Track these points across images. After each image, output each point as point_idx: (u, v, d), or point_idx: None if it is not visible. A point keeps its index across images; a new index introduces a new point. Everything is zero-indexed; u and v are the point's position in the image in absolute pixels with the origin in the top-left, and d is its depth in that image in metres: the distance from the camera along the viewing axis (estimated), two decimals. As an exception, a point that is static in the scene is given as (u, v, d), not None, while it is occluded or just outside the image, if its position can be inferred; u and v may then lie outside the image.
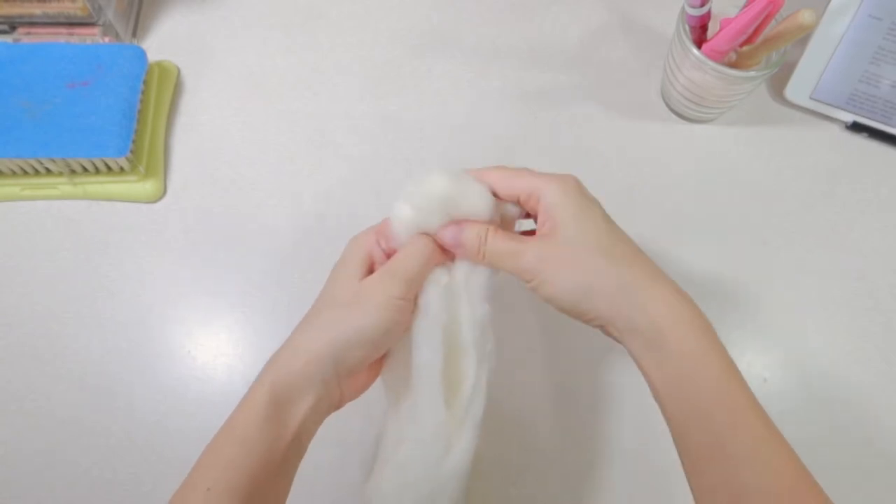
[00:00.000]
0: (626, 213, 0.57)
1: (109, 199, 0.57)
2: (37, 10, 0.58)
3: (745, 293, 0.55)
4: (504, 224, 0.40)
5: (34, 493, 0.49)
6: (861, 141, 0.60)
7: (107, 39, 0.60)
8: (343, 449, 0.49)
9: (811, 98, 0.60)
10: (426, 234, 0.39)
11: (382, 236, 0.39)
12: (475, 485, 0.48)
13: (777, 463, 0.32)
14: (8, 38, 0.60)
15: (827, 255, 0.56)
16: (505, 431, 0.50)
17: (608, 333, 0.37)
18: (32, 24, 0.60)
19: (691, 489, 0.34)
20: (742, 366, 0.52)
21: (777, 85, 0.62)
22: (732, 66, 0.54)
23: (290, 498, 0.36)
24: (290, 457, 0.35)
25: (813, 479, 0.32)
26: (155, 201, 0.57)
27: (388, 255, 0.39)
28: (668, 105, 0.61)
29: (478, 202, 0.38)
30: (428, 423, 0.37)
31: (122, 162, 0.55)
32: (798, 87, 0.60)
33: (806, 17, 0.48)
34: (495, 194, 0.39)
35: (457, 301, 0.39)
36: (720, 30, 0.52)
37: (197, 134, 0.60)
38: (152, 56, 0.59)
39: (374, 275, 0.38)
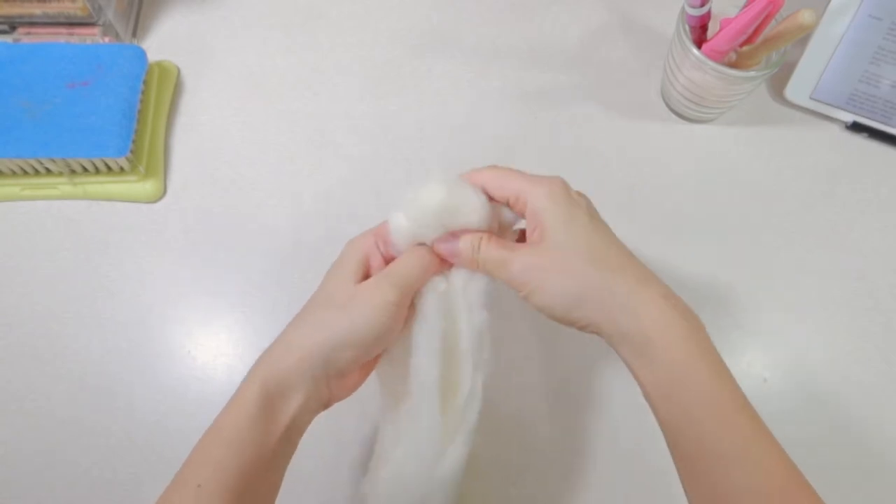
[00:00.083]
0: (626, 213, 0.57)
1: (109, 199, 0.57)
2: (37, 10, 0.58)
3: (745, 293, 0.55)
4: (501, 229, 0.40)
5: (34, 493, 0.49)
6: (861, 141, 0.60)
7: (107, 39, 0.60)
8: (337, 448, 0.49)
9: (811, 98, 0.60)
10: (423, 244, 0.39)
11: (381, 239, 0.39)
12: (475, 484, 0.48)
13: (767, 463, 0.32)
14: (8, 38, 0.60)
15: (827, 255, 0.56)
16: (504, 432, 0.50)
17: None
18: (32, 24, 0.60)
19: (685, 492, 0.34)
20: (742, 366, 0.53)
21: (777, 85, 0.62)
22: (732, 66, 0.54)
23: (284, 497, 0.36)
24: (280, 453, 0.35)
25: (803, 478, 0.32)
26: (155, 201, 0.57)
27: (386, 259, 0.40)
28: (668, 105, 0.61)
29: (473, 212, 0.38)
30: (423, 427, 0.37)
31: (122, 162, 0.55)
32: (798, 87, 0.60)
33: (806, 17, 0.48)
34: (489, 195, 0.39)
35: (455, 307, 0.39)
36: (720, 30, 0.52)
37: (197, 134, 0.60)
38: (152, 56, 0.59)
39: (370, 279, 0.38)
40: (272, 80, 0.62)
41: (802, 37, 0.52)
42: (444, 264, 0.40)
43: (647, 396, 0.35)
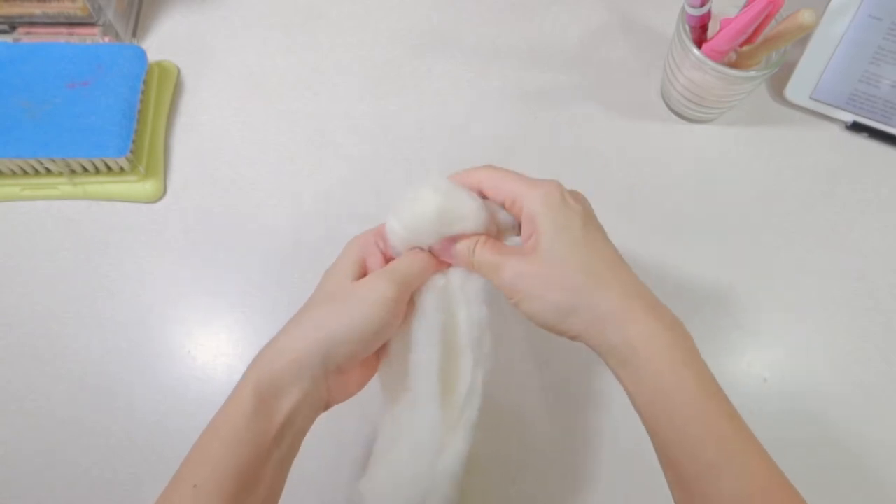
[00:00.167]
0: (626, 213, 0.57)
1: (109, 199, 0.57)
2: (37, 10, 0.58)
3: (745, 293, 0.55)
4: (500, 234, 0.40)
5: (34, 493, 0.49)
6: (861, 141, 0.60)
7: (107, 39, 0.60)
8: (339, 450, 0.49)
9: (811, 98, 0.60)
10: (420, 248, 0.39)
11: (381, 238, 0.40)
12: (475, 483, 0.48)
13: (750, 465, 0.32)
14: (8, 38, 0.60)
15: (827, 255, 0.56)
16: (505, 431, 0.50)
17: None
18: (32, 24, 0.60)
19: (673, 498, 0.35)
20: (742, 366, 0.53)
21: (777, 85, 0.62)
22: (732, 66, 0.54)
23: (284, 497, 0.36)
24: (279, 452, 0.35)
25: (785, 478, 0.33)
26: (155, 201, 0.57)
27: (386, 258, 0.40)
28: (668, 105, 0.61)
29: (469, 218, 0.38)
30: (423, 422, 0.37)
31: (122, 162, 0.55)
32: (798, 87, 0.60)
33: (806, 17, 0.48)
34: (484, 196, 0.39)
35: (455, 303, 0.39)
36: (720, 30, 0.52)
37: (197, 134, 0.60)
38: (152, 56, 0.59)
39: (369, 276, 0.38)
40: (272, 80, 0.62)
41: (802, 37, 0.52)
42: (442, 264, 0.40)
43: (634, 405, 0.36)
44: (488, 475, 0.49)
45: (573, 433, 0.51)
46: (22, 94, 0.54)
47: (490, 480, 0.49)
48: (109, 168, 0.56)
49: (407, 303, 0.38)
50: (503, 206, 0.39)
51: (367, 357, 0.39)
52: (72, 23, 0.59)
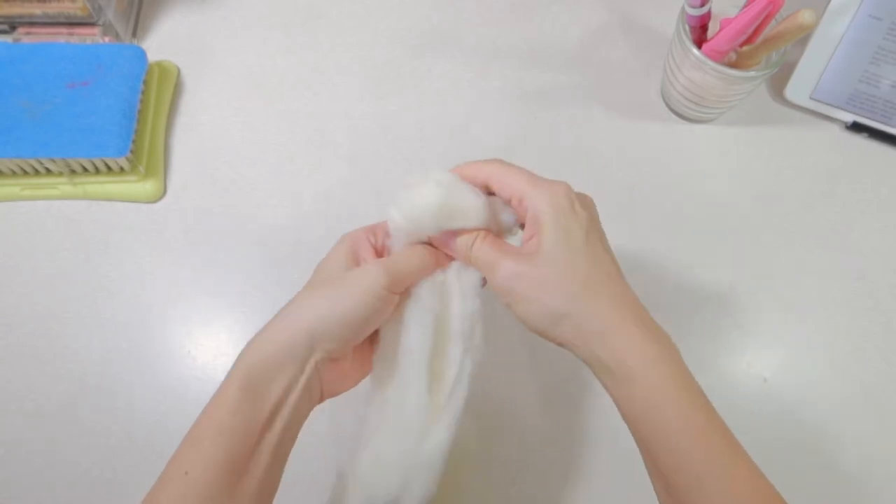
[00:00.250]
0: (626, 213, 0.57)
1: (109, 199, 0.57)
2: (37, 10, 0.58)
3: (745, 293, 0.55)
4: (501, 232, 0.40)
5: (34, 493, 0.49)
6: (861, 141, 0.60)
7: (107, 39, 0.60)
8: (337, 450, 0.49)
9: (811, 98, 0.60)
10: (420, 242, 0.39)
11: (373, 232, 0.40)
12: (475, 482, 0.48)
13: (736, 480, 0.33)
14: (8, 38, 0.60)
15: (827, 255, 0.56)
16: (504, 430, 0.50)
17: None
18: (32, 24, 0.60)
19: None
20: (742, 366, 0.53)
21: (777, 85, 0.62)
22: (732, 66, 0.54)
23: (282, 495, 0.36)
24: (270, 437, 0.34)
25: (773, 490, 0.33)
26: (155, 201, 0.57)
27: (377, 251, 0.40)
28: (668, 105, 0.61)
29: (471, 215, 0.38)
30: (409, 406, 0.37)
31: (122, 162, 0.55)
32: (798, 87, 0.60)
33: (806, 17, 0.48)
34: (490, 191, 0.39)
35: (449, 294, 0.39)
36: (720, 30, 0.52)
37: (197, 134, 0.60)
38: (152, 56, 0.59)
39: (364, 264, 0.38)
40: (272, 80, 0.62)
41: (802, 37, 0.52)
42: (441, 262, 0.40)
43: (623, 416, 0.36)
44: (488, 475, 0.49)
45: (573, 433, 0.50)
46: (22, 94, 0.54)
47: (490, 480, 0.49)
48: (109, 168, 0.56)
49: (400, 295, 0.38)
50: (509, 202, 0.39)
51: (363, 349, 0.39)
52: (72, 23, 0.59)
